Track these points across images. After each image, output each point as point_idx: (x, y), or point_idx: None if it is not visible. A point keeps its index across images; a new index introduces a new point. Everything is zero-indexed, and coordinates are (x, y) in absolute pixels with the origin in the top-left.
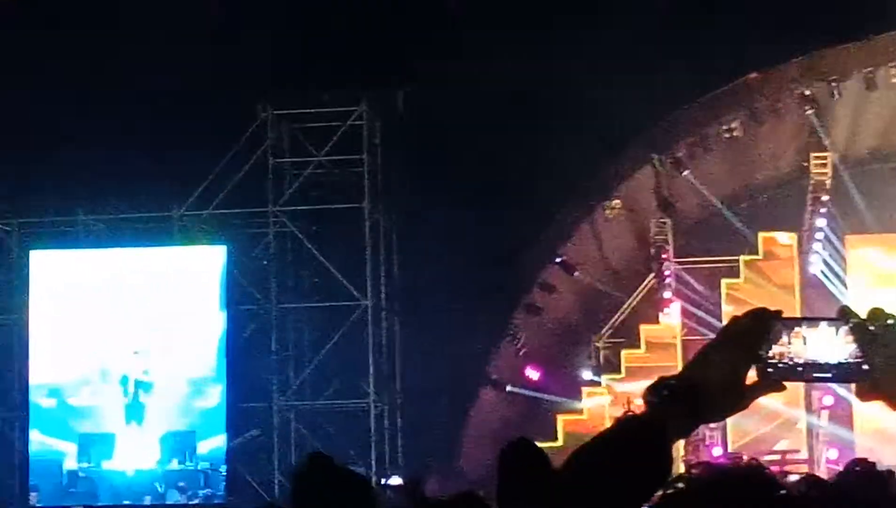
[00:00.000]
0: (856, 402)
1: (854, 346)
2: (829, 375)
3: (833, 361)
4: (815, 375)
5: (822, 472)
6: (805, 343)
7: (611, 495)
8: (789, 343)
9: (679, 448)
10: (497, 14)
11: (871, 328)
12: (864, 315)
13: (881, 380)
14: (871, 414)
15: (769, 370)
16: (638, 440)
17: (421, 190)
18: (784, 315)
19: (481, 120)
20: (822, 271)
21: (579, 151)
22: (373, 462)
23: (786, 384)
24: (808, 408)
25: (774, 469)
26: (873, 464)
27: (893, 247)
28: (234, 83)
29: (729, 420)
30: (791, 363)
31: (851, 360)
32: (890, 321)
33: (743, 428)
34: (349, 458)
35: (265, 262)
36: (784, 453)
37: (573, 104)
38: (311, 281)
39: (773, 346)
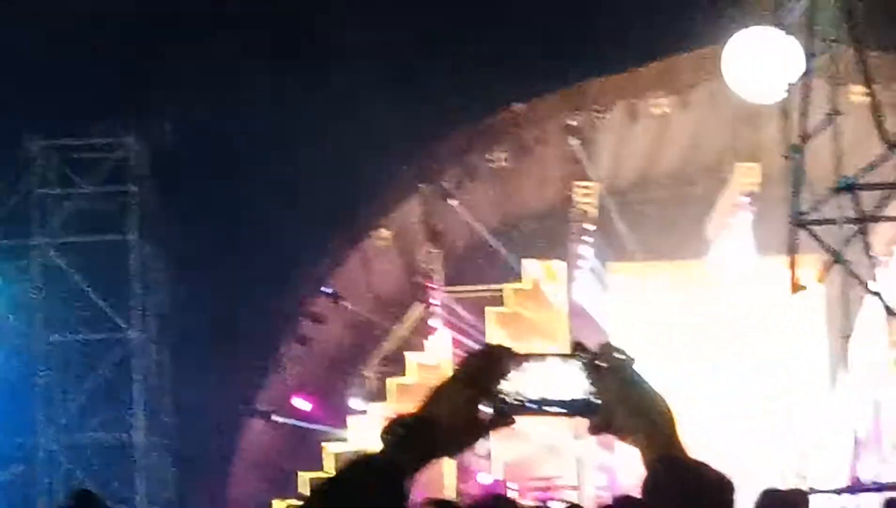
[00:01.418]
0: None
1: (586, 380)
2: (560, 410)
3: (564, 396)
4: (546, 409)
5: (590, 498)
6: (535, 379)
7: None
8: (520, 379)
9: (449, 474)
10: (258, 45)
11: (602, 362)
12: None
13: (611, 415)
14: None
15: (501, 405)
16: (373, 479)
17: (189, 221)
18: (517, 351)
19: (250, 150)
20: (587, 300)
21: (348, 181)
22: (139, 497)
23: (518, 418)
24: (576, 434)
25: (540, 495)
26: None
27: (655, 275)
28: (1, 113)
29: (496, 447)
30: (522, 398)
31: (582, 395)
32: (620, 356)
33: (511, 455)
34: (116, 492)
35: (31, 295)
36: (552, 479)
37: (339, 132)
38: (78, 313)
39: (505, 381)
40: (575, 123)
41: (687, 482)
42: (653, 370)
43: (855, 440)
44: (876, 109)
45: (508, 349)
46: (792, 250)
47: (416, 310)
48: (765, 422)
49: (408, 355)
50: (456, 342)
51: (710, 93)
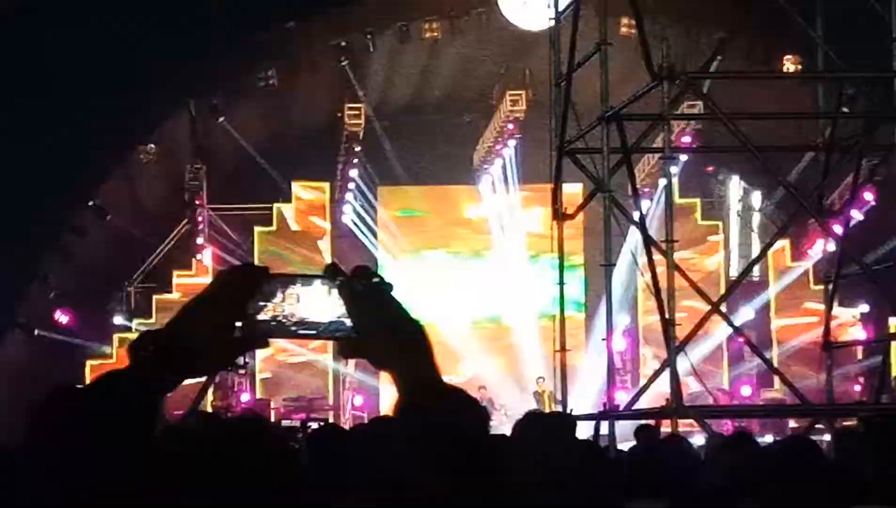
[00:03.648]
0: None
1: (340, 304)
2: (313, 332)
3: (322, 319)
4: (300, 332)
5: (348, 418)
6: (298, 301)
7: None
8: (283, 300)
9: (210, 392)
10: None
11: (357, 286)
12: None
13: (364, 339)
14: None
15: (254, 326)
16: (121, 395)
17: None
18: (272, 271)
19: (13, 62)
20: (354, 221)
21: (114, 94)
22: None
23: (271, 340)
24: (336, 355)
25: (300, 415)
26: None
27: (421, 198)
28: None
29: (258, 365)
30: (275, 319)
31: (336, 318)
32: (375, 280)
33: (271, 374)
34: None
35: None
36: (311, 399)
37: (107, 45)
38: None
39: (264, 303)
40: (346, 44)
41: (441, 407)
42: (410, 297)
43: (610, 366)
44: (643, 41)
45: (263, 269)
46: (557, 178)
47: (183, 227)
48: (521, 348)
49: (174, 271)
50: (222, 260)
51: (481, 19)
